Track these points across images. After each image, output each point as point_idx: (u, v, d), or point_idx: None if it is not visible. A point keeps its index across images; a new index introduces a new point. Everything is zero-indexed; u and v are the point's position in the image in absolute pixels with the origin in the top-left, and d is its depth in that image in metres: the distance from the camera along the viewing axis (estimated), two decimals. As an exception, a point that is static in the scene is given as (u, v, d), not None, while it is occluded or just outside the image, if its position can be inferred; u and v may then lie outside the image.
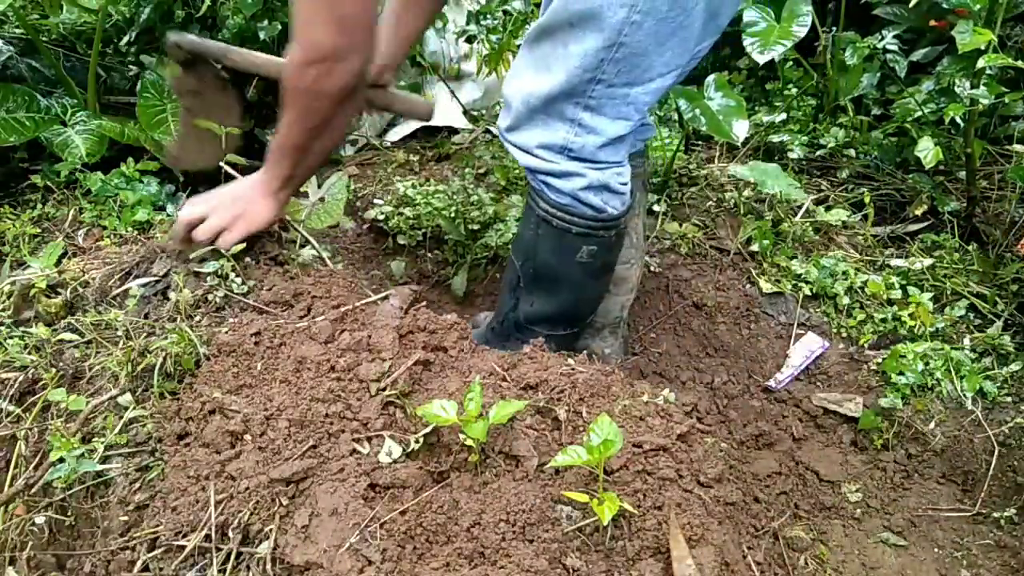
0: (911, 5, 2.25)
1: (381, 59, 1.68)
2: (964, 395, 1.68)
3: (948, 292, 1.97)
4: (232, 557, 1.06)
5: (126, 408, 1.27)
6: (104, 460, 1.21)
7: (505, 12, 2.44)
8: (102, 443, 1.22)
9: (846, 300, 1.94)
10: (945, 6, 2.14)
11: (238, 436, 1.19)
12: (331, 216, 1.77)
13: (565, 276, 1.53)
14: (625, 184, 1.46)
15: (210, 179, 1.72)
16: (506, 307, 1.64)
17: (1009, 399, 1.68)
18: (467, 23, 2.57)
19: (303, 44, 1.32)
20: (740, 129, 1.91)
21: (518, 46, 1.94)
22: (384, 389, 1.25)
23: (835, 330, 1.92)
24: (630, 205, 1.50)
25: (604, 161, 1.41)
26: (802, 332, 1.92)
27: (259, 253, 1.60)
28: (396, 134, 2.71)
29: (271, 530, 1.07)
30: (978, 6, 1.94)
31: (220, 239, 1.49)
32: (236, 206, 1.51)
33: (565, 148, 1.38)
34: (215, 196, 1.54)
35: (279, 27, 2.10)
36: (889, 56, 2.41)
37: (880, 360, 1.78)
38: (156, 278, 1.51)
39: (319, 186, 1.79)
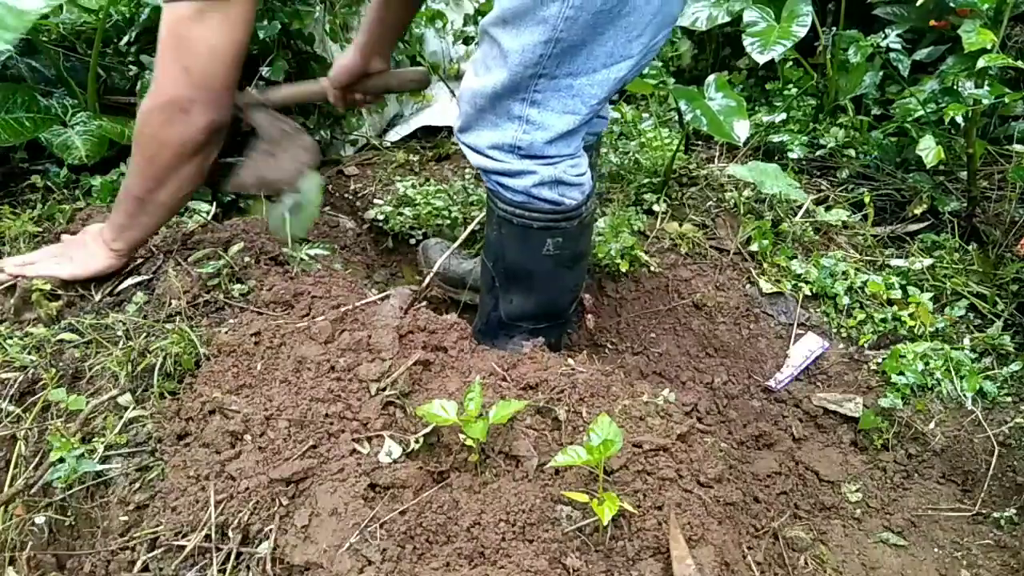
0: (918, 4, 2.25)
1: (367, 48, 1.69)
2: (964, 395, 1.68)
3: (948, 292, 1.97)
4: (232, 557, 1.06)
5: (126, 408, 1.27)
6: (104, 460, 1.21)
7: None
8: (102, 443, 1.22)
9: (846, 300, 1.94)
10: (952, 4, 2.13)
11: (238, 436, 1.19)
12: (303, 227, 1.69)
13: (536, 271, 1.53)
14: (582, 175, 1.45)
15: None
16: (487, 307, 1.64)
17: (1009, 399, 1.68)
18: (464, 24, 2.57)
19: (153, 88, 1.32)
20: (741, 129, 1.90)
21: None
22: (384, 389, 1.25)
23: (835, 330, 1.92)
24: (590, 193, 1.49)
25: (555, 156, 1.40)
26: (802, 332, 1.92)
27: (259, 253, 1.60)
28: (396, 134, 2.71)
29: (271, 530, 1.07)
30: (986, 6, 1.94)
31: (30, 269, 1.49)
32: (69, 250, 1.53)
33: (515, 147, 1.37)
34: (56, 244, 1.57)
35: (278, 27, 2.10)
36: (892, 55, 2.41)
37: (880, 360, 1.78)
38: (146, 277, 1.52)
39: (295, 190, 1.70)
